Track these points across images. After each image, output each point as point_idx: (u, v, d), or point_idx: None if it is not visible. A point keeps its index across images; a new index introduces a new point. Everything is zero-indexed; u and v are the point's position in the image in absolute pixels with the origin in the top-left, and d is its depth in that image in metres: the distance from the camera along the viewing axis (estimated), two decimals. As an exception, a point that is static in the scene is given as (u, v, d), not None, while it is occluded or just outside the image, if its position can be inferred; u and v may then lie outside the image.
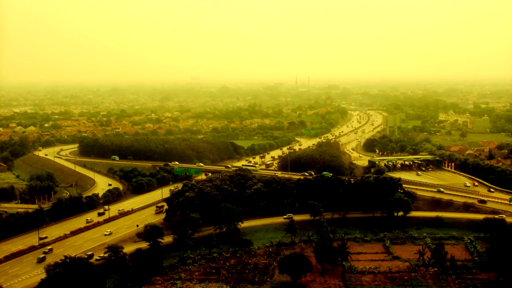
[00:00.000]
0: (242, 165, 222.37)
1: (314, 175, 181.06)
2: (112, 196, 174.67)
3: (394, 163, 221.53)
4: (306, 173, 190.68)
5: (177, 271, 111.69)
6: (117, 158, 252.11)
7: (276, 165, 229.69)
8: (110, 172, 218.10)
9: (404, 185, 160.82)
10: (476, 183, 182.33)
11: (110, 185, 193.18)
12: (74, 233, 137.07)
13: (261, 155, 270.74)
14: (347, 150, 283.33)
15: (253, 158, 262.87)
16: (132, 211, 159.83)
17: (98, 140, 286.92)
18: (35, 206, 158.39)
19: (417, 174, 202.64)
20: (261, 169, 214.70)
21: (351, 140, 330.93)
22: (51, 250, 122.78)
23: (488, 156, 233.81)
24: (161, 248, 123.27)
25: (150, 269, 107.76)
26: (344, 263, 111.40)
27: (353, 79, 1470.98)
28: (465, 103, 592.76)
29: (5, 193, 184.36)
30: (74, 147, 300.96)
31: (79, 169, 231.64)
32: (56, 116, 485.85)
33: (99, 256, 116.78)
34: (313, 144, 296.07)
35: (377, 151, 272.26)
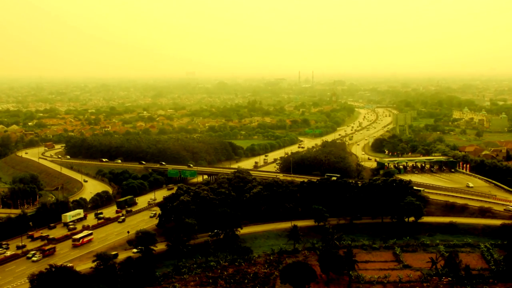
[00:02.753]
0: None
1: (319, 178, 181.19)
2: (101, 200, 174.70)
3: (405, 165, 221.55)
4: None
5: (171, 281, 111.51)
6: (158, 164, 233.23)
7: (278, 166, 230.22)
8: (99, 174, 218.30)
9: (415, 188, 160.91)
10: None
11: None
12: (59, 240, 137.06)
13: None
14: (354, 150, 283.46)
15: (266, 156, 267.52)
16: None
17: (86, 140, 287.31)
18: (18, 211, 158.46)
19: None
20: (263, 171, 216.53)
21: (359, 140, 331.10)
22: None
23: (506, 157, 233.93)
24: (154, 256, 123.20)
25: (142, 279, 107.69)
26: (350, 272, 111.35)
27: (361, 74, 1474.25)
28: (481, 100, 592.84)
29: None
30: (60, 147, 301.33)
31: (65, 171, 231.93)
32: (41, 114, 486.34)
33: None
34: (316, 144, 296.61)
35: (387, 151, 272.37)
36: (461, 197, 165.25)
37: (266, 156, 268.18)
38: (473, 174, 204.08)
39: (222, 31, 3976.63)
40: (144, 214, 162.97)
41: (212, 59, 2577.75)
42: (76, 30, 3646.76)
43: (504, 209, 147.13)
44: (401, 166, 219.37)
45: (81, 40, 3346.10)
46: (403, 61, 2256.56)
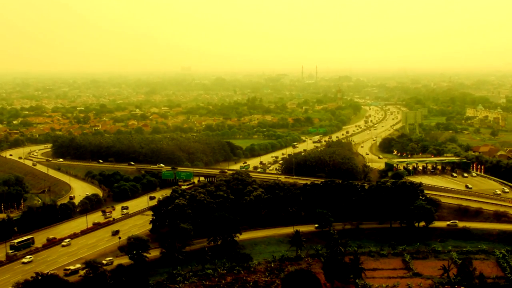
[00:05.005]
0: None
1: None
2: (91, 204, 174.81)
3: (415, 166, 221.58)
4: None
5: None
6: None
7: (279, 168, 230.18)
8: (89, 176, 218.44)
9: (426, 191, 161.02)
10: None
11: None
12: (46, 246, 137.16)
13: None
14: (361, 151, 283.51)
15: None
16: (114, 221, 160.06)
17: (75, 140, 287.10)
18: (2, 215, 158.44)
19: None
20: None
21: (366, 139, 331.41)
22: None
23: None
24: (147, 264, 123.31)
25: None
26: (357, 280, 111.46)
27: (368, 69, 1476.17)
28: (496, 97, 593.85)
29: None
30: (47, 147, 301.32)
31: (52, 173, 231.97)
32: (26, 112, 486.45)
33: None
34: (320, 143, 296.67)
35: (395, 152, 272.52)
36: (475, 201, 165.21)
37: (244, 163, 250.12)
38: (488, 176, 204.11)
39: (220, 22, 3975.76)
40: (137, 219, 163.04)
41: (210, 50, 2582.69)
42: (61, 18, 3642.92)
43: None
44: (411, 167, 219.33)
45: (67, 30, 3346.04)
46: (413, 54, 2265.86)
